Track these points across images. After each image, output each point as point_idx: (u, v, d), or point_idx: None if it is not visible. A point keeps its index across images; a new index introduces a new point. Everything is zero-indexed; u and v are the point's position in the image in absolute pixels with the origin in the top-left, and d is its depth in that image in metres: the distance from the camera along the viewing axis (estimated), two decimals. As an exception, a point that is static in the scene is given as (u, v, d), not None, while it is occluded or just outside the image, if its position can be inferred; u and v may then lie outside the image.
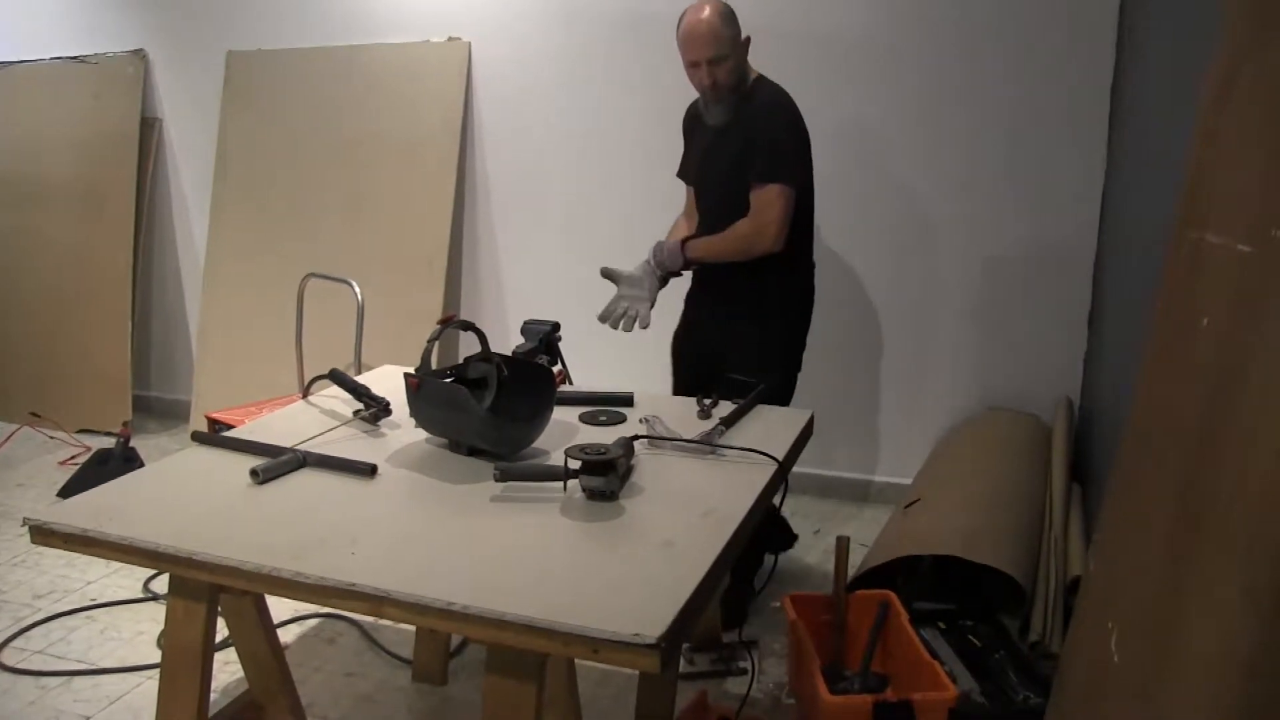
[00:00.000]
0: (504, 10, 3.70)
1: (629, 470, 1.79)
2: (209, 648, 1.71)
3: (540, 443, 1.94)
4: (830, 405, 3.06)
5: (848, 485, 3.62)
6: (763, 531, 2.38)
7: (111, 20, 4.24)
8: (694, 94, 2.64)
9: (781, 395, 2.55)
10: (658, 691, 2.06)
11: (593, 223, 3.72)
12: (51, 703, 2.31)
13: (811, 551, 3.17)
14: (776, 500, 1.99)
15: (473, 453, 1.90)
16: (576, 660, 1.48)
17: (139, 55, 4.20)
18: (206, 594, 1.66)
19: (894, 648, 2.25)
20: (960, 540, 2.55)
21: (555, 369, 2.18)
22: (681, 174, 2.85)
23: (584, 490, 1.69)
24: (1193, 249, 1.37)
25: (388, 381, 2.28)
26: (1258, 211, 1.19)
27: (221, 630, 1.84)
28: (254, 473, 1.75)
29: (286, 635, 2.58)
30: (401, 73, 3.85)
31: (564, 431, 2.03)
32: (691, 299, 2.81)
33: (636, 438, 1.91)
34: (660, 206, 2.97)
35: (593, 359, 2.97)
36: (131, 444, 3.59)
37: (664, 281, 2.65)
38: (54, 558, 2.96)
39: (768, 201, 2.48)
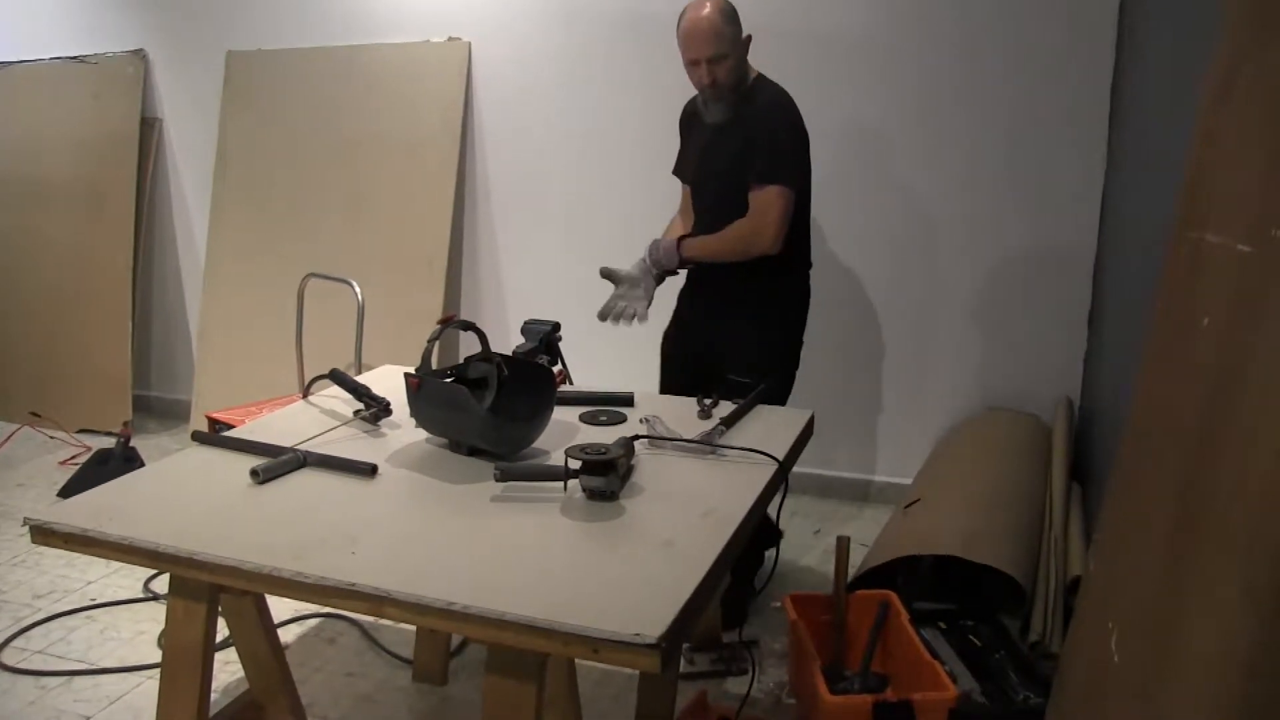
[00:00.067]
0: (504, 10, 3.70)
1: (629, 470, 1.79)
2: (209, 648, 1.71)
3: (540, 443, 1.94)
4: (830, 405, 3.06)
5: (848, 485, 3.62)
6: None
7: (111, 20, 4.24)
8: (694, 93, 2.64)
9: (779, 395, 2.55)
10: (658, 691, 2.06)
11: (593, 223, 3.72)
12: (52, 703, 2.31)
13: (811, 551, 3.17)
14: (776, 500, 1.99)
15: (473, 453, 1.90)
16: (576, 660, 1.47)
17: (139, 55, 4.20)
18: (207, 594, 1.66)
19: (894, 648, 2.25)
20: (960, 540, 2.55)
21: (555, 369, 2.18)
22: (677, 171, 2.83)
23: (584, 490, 1.69)
24: (1193, 249, 1.37)
25: (388, 381, 2.28)
26: (1258, 211, 1.19)
27: (222, 630, 1.84)
28: (254, 473, 1.75)
29: (287, 635, 2.58)
30: (402, 73, 3.85)
31: (564, 431, 2.03)
32: (685, 298, 2.79)
33: (637, 438, 1.91)
34: (660, 206, 2.97)
35: (593, 359, 2.97)
36: (132, 444, 3.59)
37: (660, 279, 2.65)
38: (54, 558, 2.96)
39: (767, 203, 2.47)
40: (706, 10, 2.44)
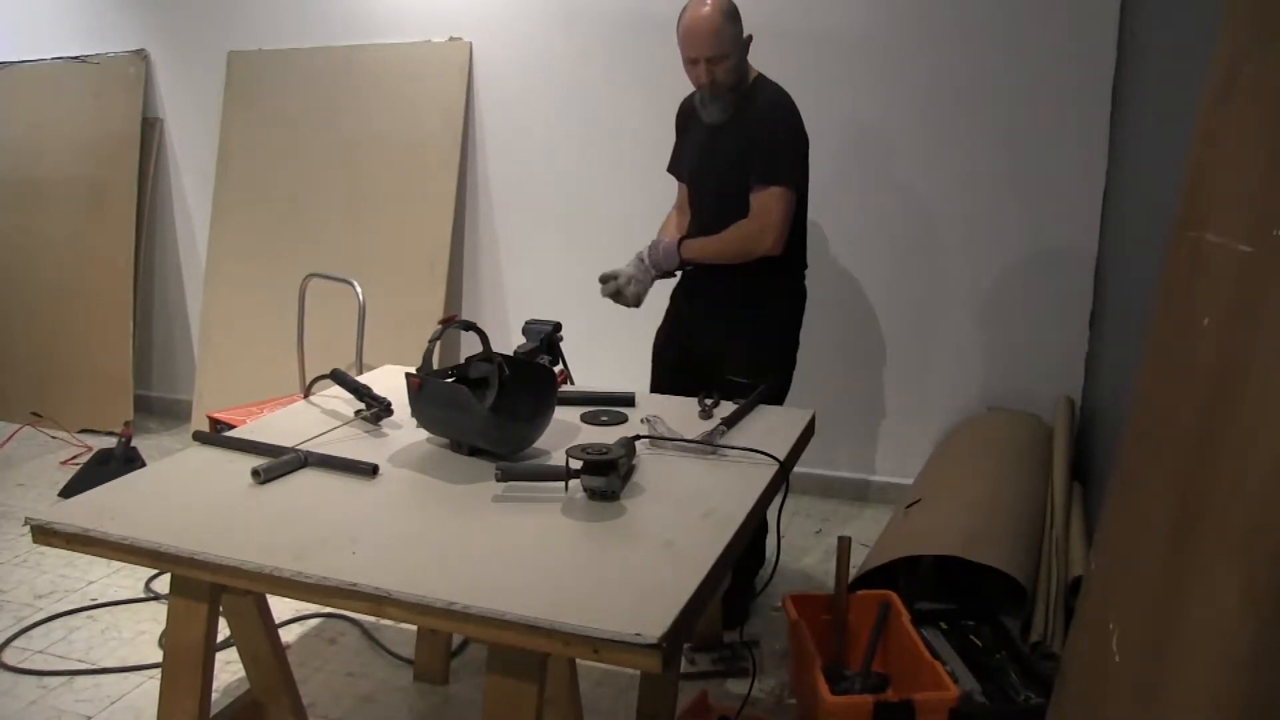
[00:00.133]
0: (505, 10, 3.70)
1: (630, 470, 1.80)
2: (210, 647, 1.71)
3: (541, 443, 1.94)
4: (831, 405, 3.06)
5: (849, 485, 3.62)
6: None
7: (112, 20, 4.24)
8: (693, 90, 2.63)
9: (777, 396, 2.55)
10: (659, 691, 2.07)
11: (593, 223, 3.72)
12: (53, 703, 2.32)
13: (812, 551, 3.17)
14: (776, 501, 1.99)
15: (474, 453, 1.90)
16: (577, 660, 1.48)
17: (140, 55, 4.20)
18: (208, 594, 1.67)
19: (895, 648, 2.25)
20: (961, 540, 2.55)
21: (556, 369, 2.18)
22: (673, 169, 2.80)
23: (585, 490, 1.69)
24: (1193, 249, 1.37)
25: (389, 381, 2.29)
26: (1258, 211, 1.19)
27: (223, 630, 1.84)
28: (255, 472, 1.75)
29: (288, 635, 2.58)
30: (402, 73, 3.85)
31: (565, 431, 2.03)
32: (680, 298, 2.77)
33: (638, 438, 1.91)
34: (660, 207, 2.96)
35: (594, 359, 2.97)
36: (133, 444, 3.59)
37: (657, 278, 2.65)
38: (55, 557, 2.97)
39: (769, 204, 2.46)
40: (707, 9, 2.42)
